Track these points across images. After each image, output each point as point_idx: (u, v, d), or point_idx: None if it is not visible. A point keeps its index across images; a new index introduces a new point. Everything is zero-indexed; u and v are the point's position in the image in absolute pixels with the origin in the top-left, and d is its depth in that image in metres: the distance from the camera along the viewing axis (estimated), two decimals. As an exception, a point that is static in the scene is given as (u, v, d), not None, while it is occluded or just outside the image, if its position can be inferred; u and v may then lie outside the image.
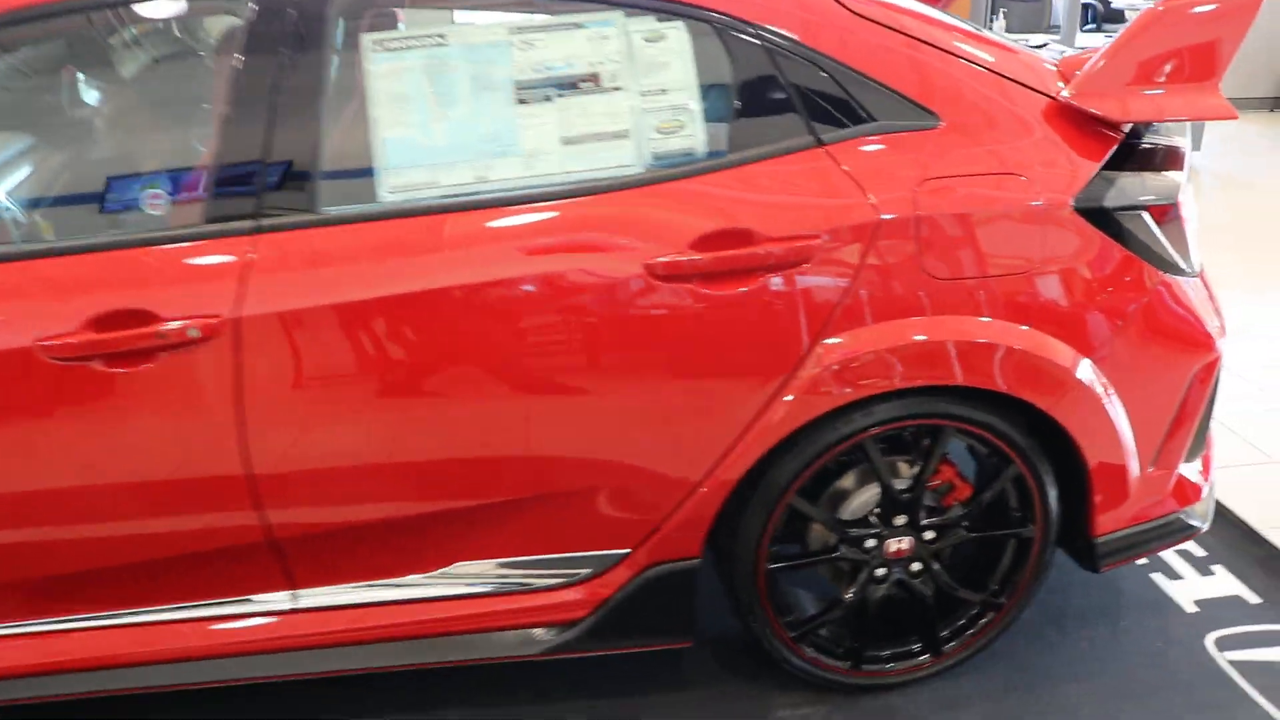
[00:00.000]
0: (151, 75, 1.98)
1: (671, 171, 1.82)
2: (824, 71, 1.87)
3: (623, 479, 1.91)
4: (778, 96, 1.86)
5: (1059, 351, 1.93)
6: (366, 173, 1.78)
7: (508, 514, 1.93)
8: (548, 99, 1.82)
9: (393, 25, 1.86)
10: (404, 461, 1.85)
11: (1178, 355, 2.05)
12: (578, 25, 1.83)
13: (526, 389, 1.82)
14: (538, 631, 2.03)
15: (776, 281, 1.82)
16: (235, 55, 1.77)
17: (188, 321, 1.71)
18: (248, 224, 1.76)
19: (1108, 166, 1.92)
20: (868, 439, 1.96)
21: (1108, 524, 2.11)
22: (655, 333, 1.81)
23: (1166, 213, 1.97)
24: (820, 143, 1.86)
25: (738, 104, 1.88)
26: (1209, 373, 2.09)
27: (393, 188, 1.78)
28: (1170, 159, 1.99)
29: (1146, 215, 1.95)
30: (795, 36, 1.86)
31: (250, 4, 1.77)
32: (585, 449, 1.88)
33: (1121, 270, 1.94)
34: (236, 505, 1.85)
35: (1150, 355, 2.02)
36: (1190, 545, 2.67)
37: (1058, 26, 8.05)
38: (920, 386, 1.91)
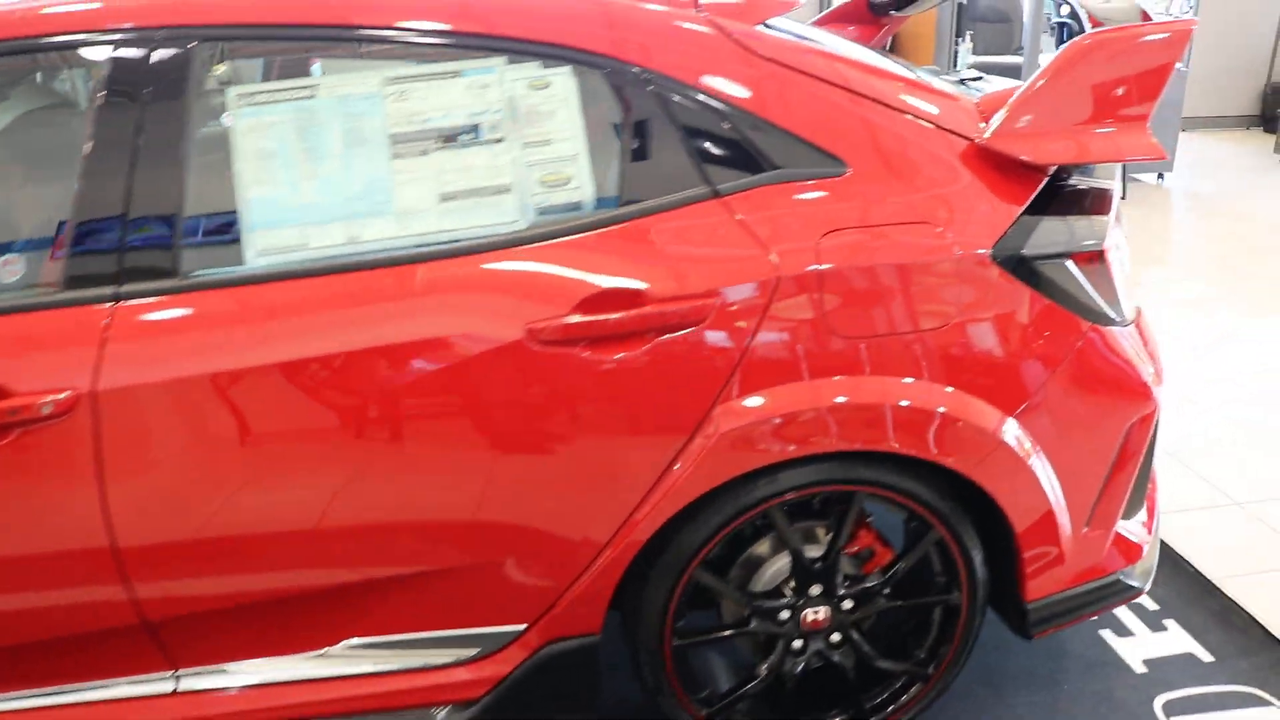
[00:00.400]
0: (15, 131, 1.87)
1: (557, 228, 1.72)
2: (720, 117, 1.76)
3: (512, 553, 1.79)
4: (670, 145, 1.76)
5: (980, 411, 1.82)
6: (233, 234, 1.67)
7: (395, 589, 1.81)
8: (424, 153, 1.71)
9: (260, 77, 1.75)
10: (276, 534, 1.72)
11: (1110, 409, 1.94)
12: (456, 74, 1.73)
13: (404, 459, 1.70)
14: (436, 711, 1.91)
15: (669, 344, 1.71)
16: (96, 110, 1.67)
17: (41, 397, 1.60)
18: (106, 291, 1.65)
19: (1030, 211, 1.82)
20: (774, 507, 1.85)
21: (1040, 588, 1.99)
22: (540, 401, 1.70)
23: (1092, 259, 1.87)
24: (716, 194, 1.76)
25: (628, 154, 1.77)
26: (1145, 425, 1.98)
27: (261, 250, 1.67)
28: (1097, 202, 1.89)
29: (1070, 263, 1.84)
30: (687, 81, 1.76)
31: (110, 55, 1.67)
32: (469, 521, 1.76)
33: (1045, 322, 1.83)
34: (104, 583, 1.73)
35: (1080, 411, 1.91)
36: (1143, 598, 2.55)
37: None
38: (829, 452, 1.80)
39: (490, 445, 1.71)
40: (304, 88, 1.70)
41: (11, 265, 1.74)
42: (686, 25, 1.81)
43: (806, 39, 1.95)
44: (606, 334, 1.69)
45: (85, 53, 1.69)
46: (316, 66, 1.77)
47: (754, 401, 1.74)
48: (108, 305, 1.64)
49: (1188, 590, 2.59)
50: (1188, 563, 2.70)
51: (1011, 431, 1.84)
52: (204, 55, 1.69)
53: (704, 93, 1.76)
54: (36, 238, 1.77)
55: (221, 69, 1.71)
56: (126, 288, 1.65)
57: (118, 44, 1.67)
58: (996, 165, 1.83)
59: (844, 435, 1.78)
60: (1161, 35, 1.83)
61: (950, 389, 1.81)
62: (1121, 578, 2.07)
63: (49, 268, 1.71)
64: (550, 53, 1.74)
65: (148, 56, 1.66)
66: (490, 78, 1.73)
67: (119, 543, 1.69)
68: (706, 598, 1.99)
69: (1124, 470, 1.98)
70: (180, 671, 1.83)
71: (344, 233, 1.69)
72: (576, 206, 1.74)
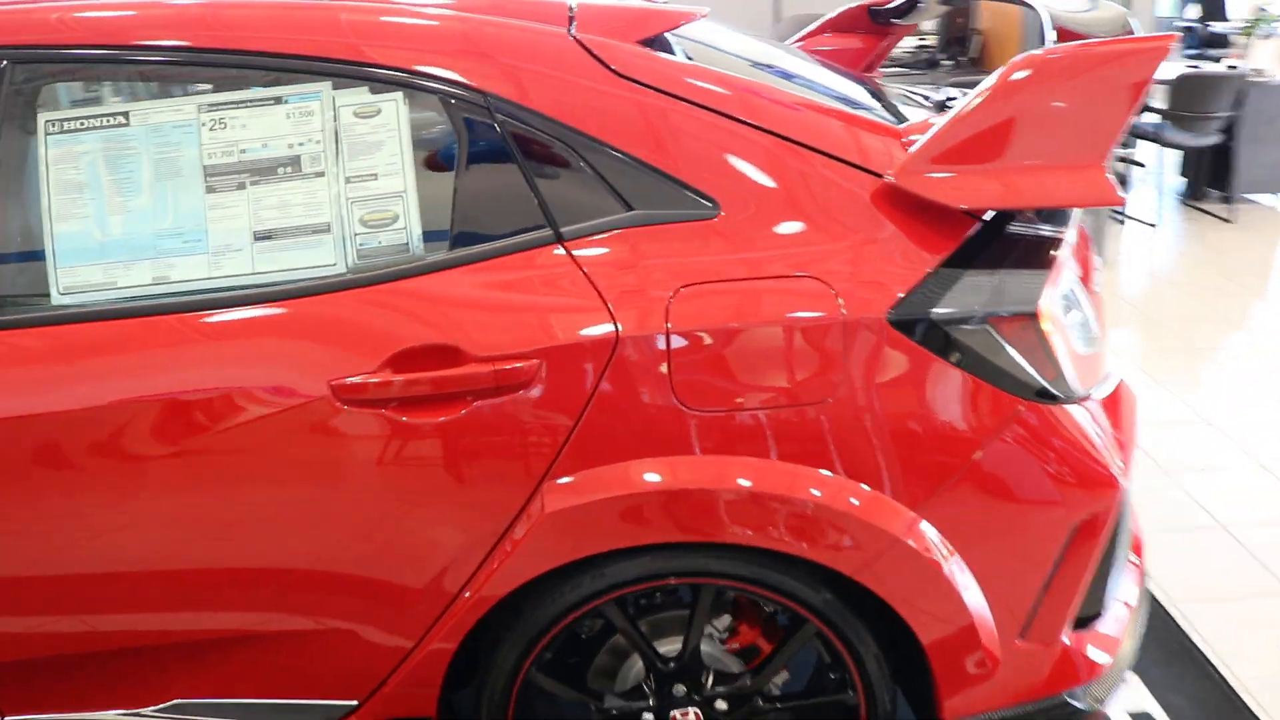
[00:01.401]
0: None
1: (376, 273, 1.55)
2: (569, 148, 1.55)
3: (331, 622, 1.65)
4: (511, 180, 1.56)
5: (867, 504, 1.54)
6: (37, 273, 1.58)
7: (213, 650, 1.70)
8: (240, 187, 1.57)
9: (74, 100, 1.65)
10: (81, 577, 1.63)
11: (1050, 503, 1.61)
12: (278, 100, 1.58)
13: (205, 512, 1.58)
14: None
15: (489, 409, 1.51)
16: None
17: None
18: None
19: (951, 265, 1.52)
20: (608, 603, 1.62)
21: (960, 707, 1.69)
22: (343, 465, 1.54)
23: (1023, 323, 1.54)
24: (559, 238, 1.54)
25: (464, 190, 1.58)
26: (1101, 521, 1.63)
27: (65, 288, 1.58)
28: (1033, 253, 1.56)
29: (992, 329, 1.52)
30: (533, 106, 1.55)
31: None
32: (279, 584, 1.62)
33: (962, 399, 1.53)
34: None
35: (1008, 505, 1.59)
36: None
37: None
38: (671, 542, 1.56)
39: (292, 507, 1.56)
40: (116, 114, 1.59)
41: None
42: (542, 41, 1.59)
43: (691, 53, 1.69)
44: (417, 395, 1.51)
45: None
46: (139, 90, 1.66)
47: (581, 481, 1.53)
48: None
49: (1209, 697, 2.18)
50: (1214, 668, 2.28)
51: (913, 528, 1.55)
52: (15, 77, 1.60)
53: (552, 119, 1.55)
54: None
55: (32, 93, 1.61)
56: None
57: None
58: (914, 210, 1.54)
59: (687, 524, 1.54)
60: (1129, 53, 1.48)
61: (828, 474, 1.53)
62: (1069, 699, 1.73)
63: None
64: (379, 76, 1.57)
65: None
66: (314, 104, 1.57)
67: None
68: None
69: (1070, 574, 1.64)
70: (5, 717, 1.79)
71: (151, 272, 1.57)
72: (402, 249, 1.56)
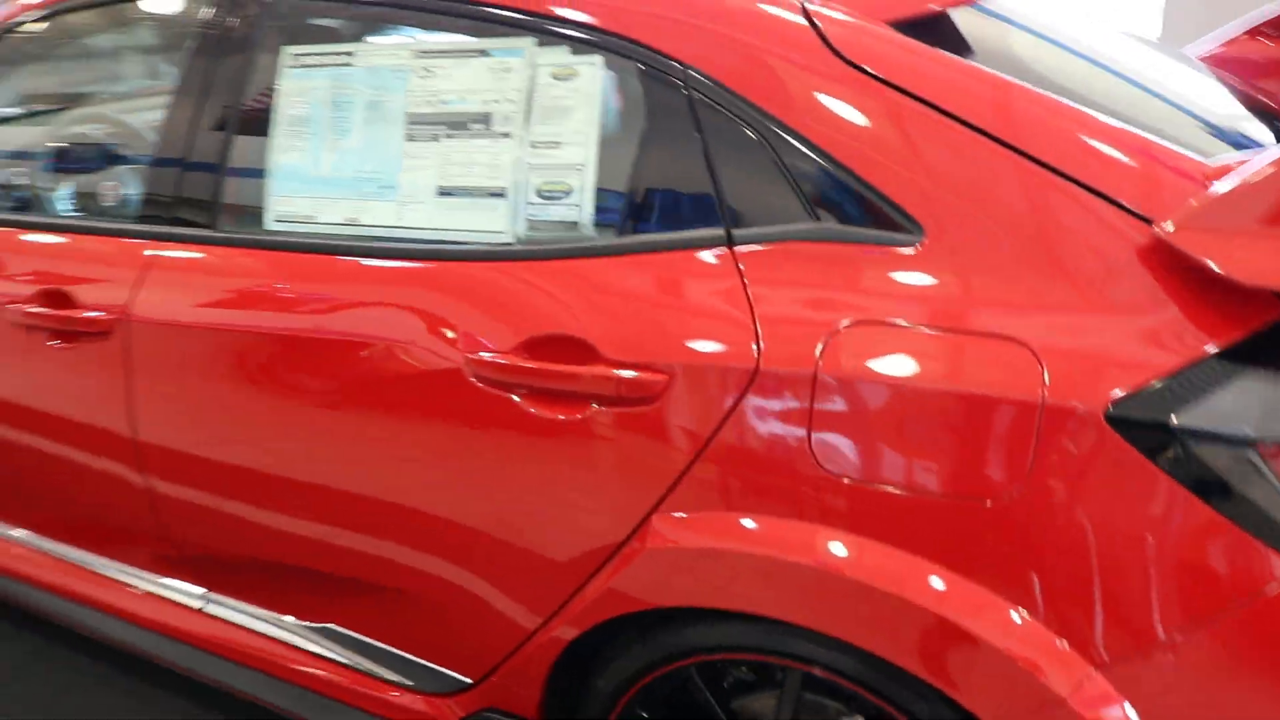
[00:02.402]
0: (147, 66, 2.05)
1: (540, 248, 1.44)
2: (764, 139, 1.32)
3: (452, 585, 1.59)
4: (693, 168, 1.36)
5: (1033, 642, 1.18)
6: (257, 195, 1.67)
7: (366, 590, 1.71)
8: (435, 139, 1.53)
9: (312, 38, 1.69)
10: (255, 481, 1.71)
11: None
12: (482, 52, 1.51)
13: (348, 452, 1.58)
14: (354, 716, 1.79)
15: (608, 418, 1.35)
16: (191, 55, 1.76)
17: (94, 312, 1.77)
18: (159, 228, 1.76)
19: (1225, 359, 1.11)
20: (689, 667, 1.39)
21: None
22: (471, 435, 1.46)
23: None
24: (729, 241, 1.33)
25: (641, 172, 1.41)
26: None
27: (277, 216, 1.65)
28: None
29: (1257, 458, 1.09)
30: (735, 88, 1.33)
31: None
32: (409, 533, 1.59)
33: (1190, 542, 1.12)
34: (132, 491, 1.88)
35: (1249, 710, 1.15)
36: None
37: None
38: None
39: (426, 462, 1.52)
40: (341, 54, 1.61)
41: (110, 190, 1.94)
42: (766, 13, 1.37)
43: (1015, 39, 1.37)
44: (543, 386, 1.39)
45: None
46: (367, 30, 1.66)
47: (693, 521, 1.32)
48: (155, 242, 1.76)
49: None
50: None
51: (1090, 696, 1.17)
52: (282, 10, 1.68)
53: (752, 104, 1.33)
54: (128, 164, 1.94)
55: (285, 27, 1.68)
56: (167, 230, 1.76)
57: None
58: (1191, 277, 1.14)
59: (791, 603, 1.28)
60: None
61: (986, 593, 1.19)
62: None
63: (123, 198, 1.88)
64: (583, 36, 1.44)
65: (231, 8, 1.71)
66: (515, 61, 1.48)
67: (140, 436, 1.81)
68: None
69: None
70: (211, 594, 1.95)
71: (346, 212, 1.59)
72: (570, 226, 1.43)
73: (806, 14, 1.35)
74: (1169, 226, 1.13)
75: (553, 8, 1.46)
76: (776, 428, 1.26)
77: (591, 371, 1.35)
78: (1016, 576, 1.18)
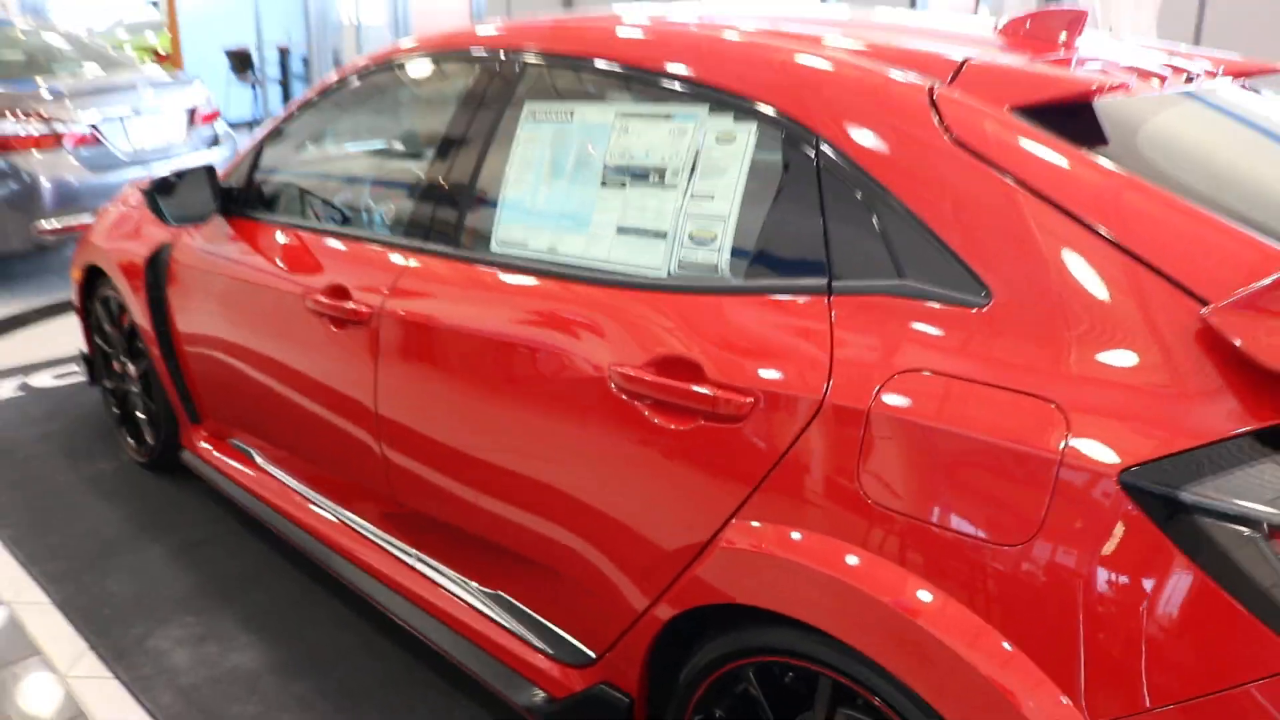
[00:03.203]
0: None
1: (686, 284, 1.69)
2: (871, 205, 1.50)
3: (587, 567, 1.85)
4: (811, 225, 1.56)
5: (1037, 691, 1.24)
6: (489, 222, 2.06)
7: (525, 563, 2.02)
8: (621, 185, 1.84)
9: (546, 96, 2.05)
10: (448, 457, 2.11)
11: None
12: (667, 116, 1.80)
13: (518, 437, 1.91)
14: (519, 679, 2.06)
15: (709, 432, 1.57)
16: (459, 106, 2.21)
17: (357, 305, 2.24)
18: (414, 241, 2.21)
19: (1254, 441, 1.14)
20: (744, 666, 1.53)
21: None
22: (608, 440, 1.73)
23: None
24: (829, 290, 1.51)
25: (769, 224, 1.63)
26: None
27: (500, 240, 2.03)
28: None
29: (1265, 543, 1.10)
30: (854, 158, 1.52)
31: (478, 66, 2.20)
32: (552, 514, 1.89)
33: (1198, 614, 1.15)
34: (371, 454, 2.33)
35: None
36: None
37: None
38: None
39: (566, 461, 1.81)
40: (566, 111, 1.96)
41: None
42: (895, 93, 1.55)
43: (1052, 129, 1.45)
44: (661, 398, 1.63)
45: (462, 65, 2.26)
46: (584, 92, 2.00)
47: (761, 530, 1.49)
48: (409, 252, 2.22)
49: None
50: None
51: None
52: (531, 74, 2.07)
53: (867, 174, 1.51)
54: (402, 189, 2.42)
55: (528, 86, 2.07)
56: (419, 244, 2.20)
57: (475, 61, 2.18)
58: (1232, 358, 1.18)
59: (820, 612, 1.40)
60: None
61: (995, 635, 1.27)
62: None
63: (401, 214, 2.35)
64: (743, 105, 1.69)
65: (490, 72, 2.13)
66: (689, 125, 1.76)
67: (380, 409, 2.24)
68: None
69: None
70: (421, 554, 2.35)
71: (549, 241, 1.94)
72: (711, 269, 1.68)
73: (931, 95, 1.51)
74: (1211, 308, 1.18)
75: (722, 80, 1.72)
76: (832, 455, 1.42)
77: (697, 390, 1.57)
78: (1018, 617, 1.25)
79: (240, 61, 11.36)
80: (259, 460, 2.92)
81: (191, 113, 6.33)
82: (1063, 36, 1.80)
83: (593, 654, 1.92)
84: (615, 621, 1.82)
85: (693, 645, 1.70)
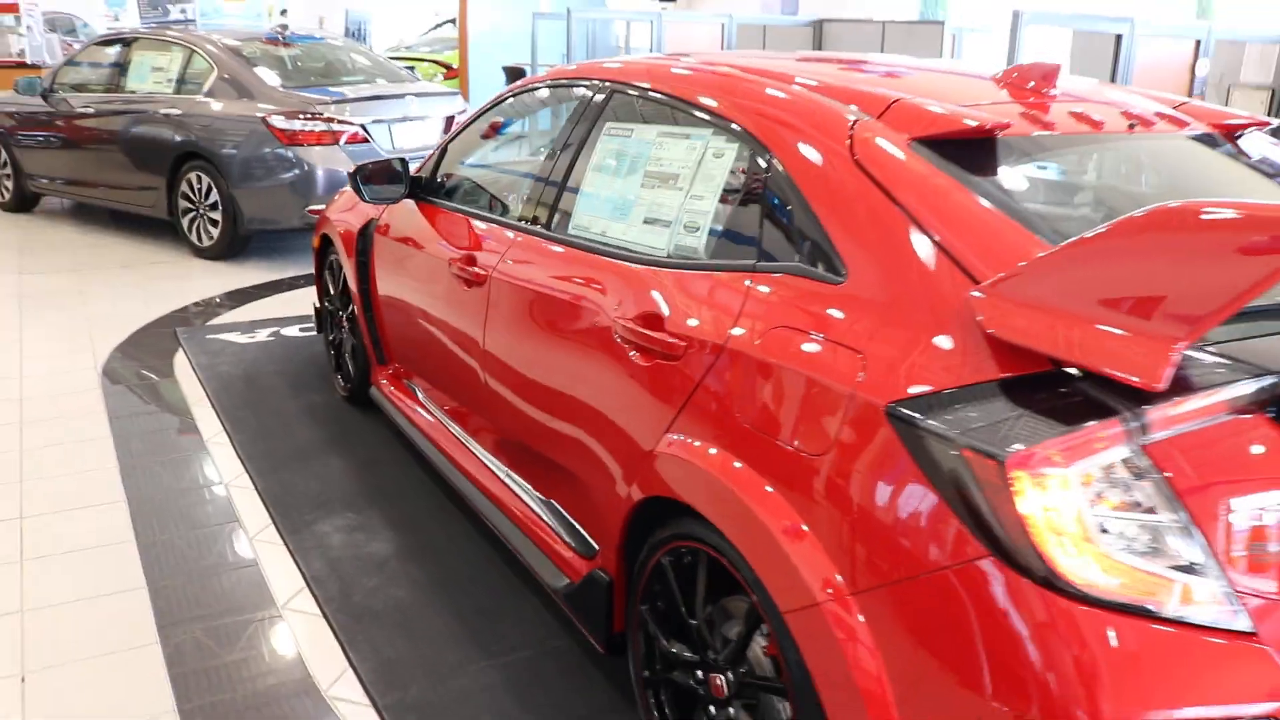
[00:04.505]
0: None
1: (675, 261, 2.25)
2: (795, 210, 1.99)
3: (589, 467, 2.42)
4: (754, 221, 2.08)
5: (813, 559, 1.71)
6: (568, 211, 2.69)
7: (556, 468, 2.64)
8: (653, 186, 2.41)
9: (633, 118, 2.65)
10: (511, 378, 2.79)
11: (972, 681, 1.50)
12: (686, 135, 2.35)
13: (559, 365, 2.55)
14: (554, 568, 2.66)
15: (657, 369, 2.11)
16: (566, 120, 2.85)
17: (479, 269, 2.94)
18: (521, 223, 2.87)
19: (989, 387, 1.57)
20: (674, 550, 2.05)
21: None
22: (609, 371, 2.31)
23: (989, 467, 1.47)
24: (754, 269, 2.02)
25: (728, 218, 2.15)
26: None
27: (574, 226, 2.65)
28: (1071, 412, 1.47)
29: (962, 458, 1.52)
30: (790, 174, 2.03)
31: (583, 93, 2.83)
32: (573, 422, 2.49)
33: (922, 512, 1.57)
34: (478, 383, 3.02)
35: (940, 651, 1.55)
36: None
37: None
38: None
39: (592, 384, 2.40)
40: (629, 128, 2.56)
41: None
42: (829, 121, 2.04)
43: (919, 166, 1.88)
44: (638, 342, 2.19)
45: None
46: (643, 115, 2.59)
47: (681, 439, 2.02)
48: (515, 232, 2.88)
49: None
50: None
51: (842, 602, 1.66)
52: (613, 102, 2.68)
53: (797, 188, 2.01)
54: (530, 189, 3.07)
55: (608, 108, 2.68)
56: (526, 226, 2.86)
57: (580, 88, 2.82)
58: (977, 327, 1.61)
59: (701, 499, 1.92)
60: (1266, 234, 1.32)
61: (798, 517, 1.74)
62: None
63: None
64: (730, 128, 2.22)
65: (588, 97, 2.76)
66: (699, 143, 2.31)
67: (486, 347, 2.93)
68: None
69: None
70: (502, 464, 3.00)
71: (604, 227, 2.54)
72: (694, 251, 2.22)
73: (852, 125, 1.99)
74: (972, 291, 1.61)
75: (721, 111, 2.27)
76: (720, 385, 1.93)
77: (656, 336, 2.12)
78: (817, 506, 1.72)
79: (514, 76, 12.71)
80: (418, 393, 3.70)
81: (449, 119, 7.41)
82: (1031, 84, 2.23)
83: (595, 546, 2.49)
84: (603, 509, 2.39)
85: (646, 537, 2.24)
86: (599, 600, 2.41)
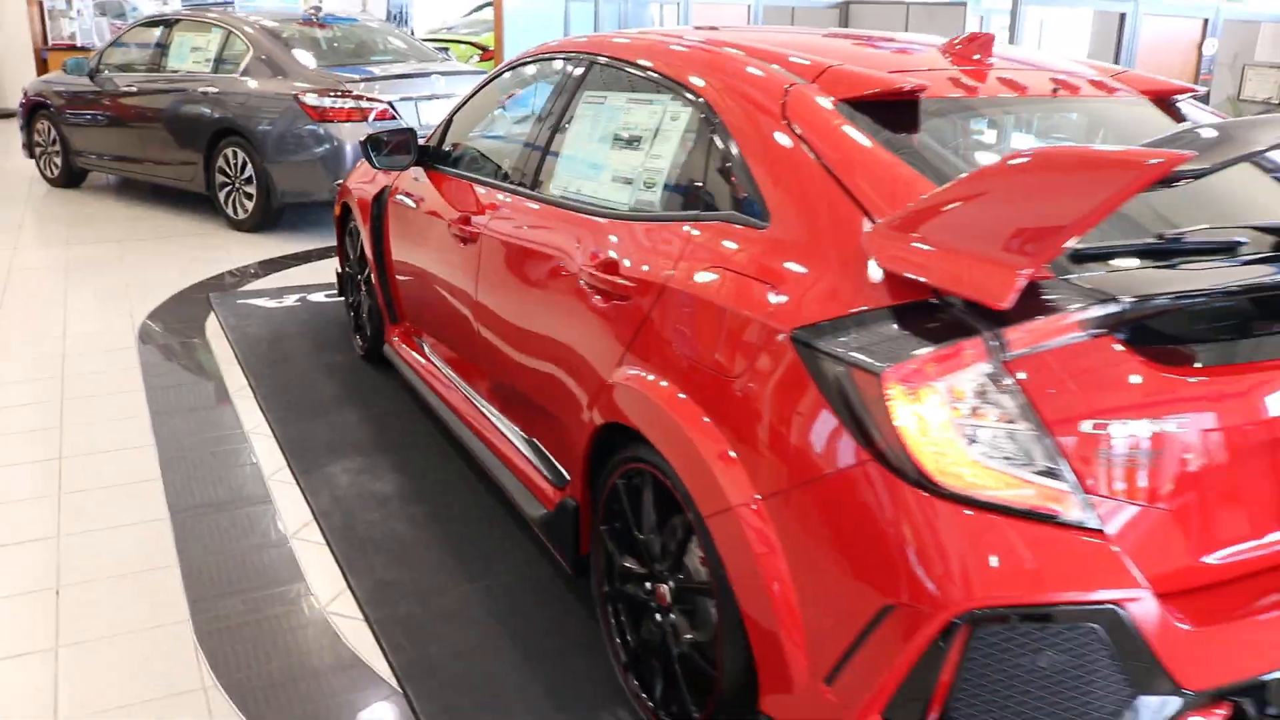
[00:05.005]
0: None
1: (636, 214, 2.48)
2: (735, 163, 2.21)
3: (563, 397, 2.66)
4: (699, 173, 2.30)
5: (731, 471, 1.94)
6: (548, 172, 2.93)
7: (532, 405, 2.89)
8: (620, 149, 2.64)
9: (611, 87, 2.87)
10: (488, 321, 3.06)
11: (856, 572, 1.73)
12: (649, 101, 2.58)
13: (531, 313, 2.81)
14: (533, 499, 2.90)
15: (611, 307, 2.35)
16: (547, 91, 3.09)
17: (472, 228, 3.19)
18: (508, 184, 3.12)
19: (877, 313, 1.78)
20: (628, 472, 2.29)
21: (775, 709, 1.90)
22: (576, 311, 2.55)
23: (868, 380, 1.70)
24: (698, 219, 2.25)
25: (680, 172, 2.38)
26: (916, 626, 1.65)
27: (554, 186, 2.89)
28: (940, 331, 1.68)
29: (845, 372, 1.73)
30: (730, 129, 2.25)
31: (565, 66, 3.06)
32: (545, 359, 2.73)
33: (817, 424, 1.79)
34: (472, 332, 3.28)
35: (826, 544, 1.77)
36: None
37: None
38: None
39: (561, 321, 2.65)
40: (602, 96, 2.79)
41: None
42: (767, 83, 2.25)
43: (844, 129, 2.09)
44: (600, 286, 2.42)
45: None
46: (613, 84, 2.81)
47: (628, 370, 2.26)
48: (503, 193, 3.12)
49: None
50: None
51: (752, 506, 1.88)
52: (592, 72, 2.91)
53: (735, 141, 2.23)
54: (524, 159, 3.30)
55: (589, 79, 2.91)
56: (513, 188, 3.10)
57: (562, 62, 3.04)
58: (868, 259, 1.83)
59: (645, 426, 2.15)
60: (1116, 163, 1.53)
61: (720, 433, 1.97)
62: None
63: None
64: (683, 92, 2.44)
65: (568, 70, 2.99)
66: (659, 107, 2.54)
67: (478, 296, 3.18)
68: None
69: (875, 655, 1.71)
70: (493, 408, 3.25)
71: (576, 186, 2.77)
72: (651, 205, 2.45)
73: (787, 88, 2.20)
74: (874, 224, 1.82)
75: (679, 79, 2.49)
76: (661, 320, 2.17)
77: (612, 279, 2.35)
78: (734, 421, 1.94)
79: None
80: (425, 348, 3.96)
81: (474, 99, 7.67)
82: (970, 53, 2.43)
83: (567, 476, 2.73)
84: (571, 439, 2.63)
85: (605, 462, 2.48)
86: (567, 525, 2.65)
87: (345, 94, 6.90)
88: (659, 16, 14.05)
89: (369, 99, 6.96)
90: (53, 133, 8.74)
